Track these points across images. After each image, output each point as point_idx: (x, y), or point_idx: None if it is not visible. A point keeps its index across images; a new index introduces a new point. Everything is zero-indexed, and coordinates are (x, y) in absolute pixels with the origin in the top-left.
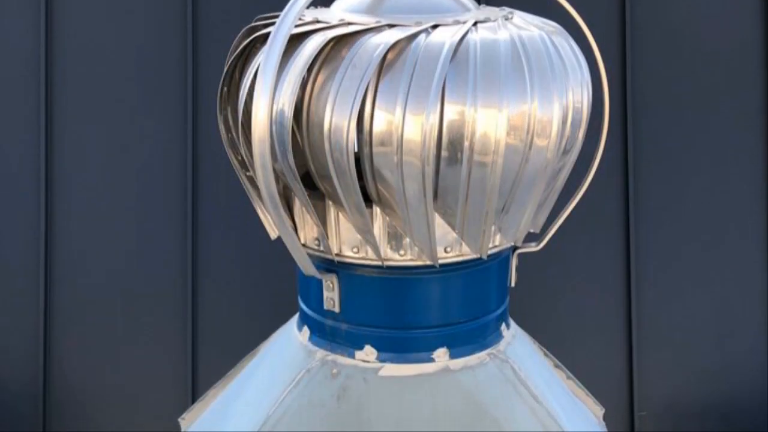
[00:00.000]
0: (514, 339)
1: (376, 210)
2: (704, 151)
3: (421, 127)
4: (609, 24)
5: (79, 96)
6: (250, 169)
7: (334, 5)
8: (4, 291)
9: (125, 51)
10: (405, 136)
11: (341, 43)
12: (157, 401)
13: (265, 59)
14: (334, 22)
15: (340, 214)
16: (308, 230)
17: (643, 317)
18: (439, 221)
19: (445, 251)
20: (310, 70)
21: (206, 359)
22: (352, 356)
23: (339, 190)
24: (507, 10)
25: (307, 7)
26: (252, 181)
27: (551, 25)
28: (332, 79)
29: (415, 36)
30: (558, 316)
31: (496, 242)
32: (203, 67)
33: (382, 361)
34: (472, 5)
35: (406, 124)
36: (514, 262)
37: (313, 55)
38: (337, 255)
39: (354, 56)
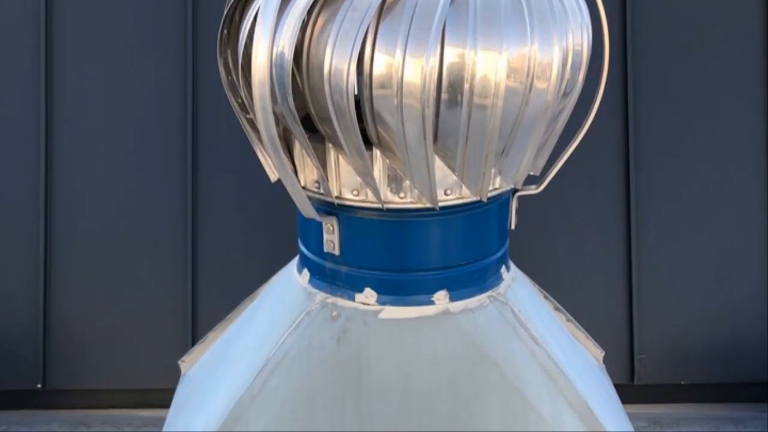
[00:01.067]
0: (514, 282)
1: (376, 152)
2: (704, 93)
3: (421, 70)
4: None
5: (80, 38)
6: (250, 111)
7: None
8: (3, 234)
9: None
10: (405, 79)
11: None
12: (157, 344)
13: (265, 1)
14: None
15: (340, 157)
16: (308, 173)
17: (643, 260)
18: (439, 164)
19: (445, 194)
20: (310, 12)
21: (206, 302)
22: (352, 299)
23: (339, 133)
24: None
25: None
26: (252, 123)
27: None
28: (332, 21)
29: None
30: (558, 259)
31: (496, 185)
32: (203, 9)
33: (382, 303)
34: None
35: (406, 66)
36: (514, 204)
37: None
38: (337, 198)
39: None
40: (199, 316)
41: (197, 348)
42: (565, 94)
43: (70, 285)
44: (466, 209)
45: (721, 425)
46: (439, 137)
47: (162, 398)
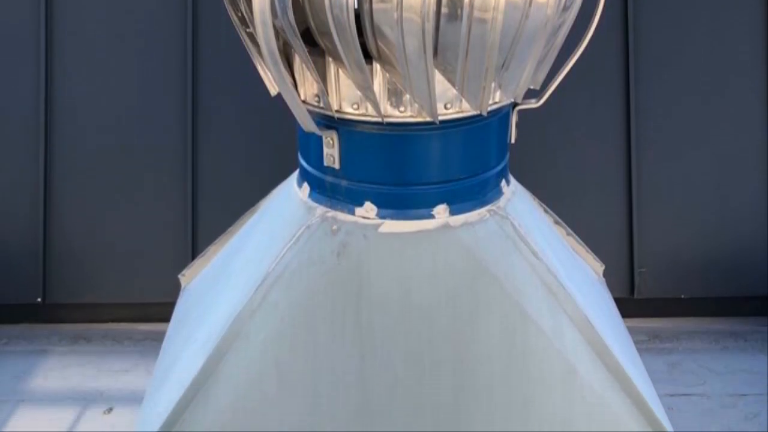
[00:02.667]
0: (514, 195)
1: (376, 66)
2: (704, 5)
3: None
4: None
5: None
6: (250, 25)
7: None
8: (4, 149)
9: None
10: None
11: None
12: (157, 258)
13: None
14: None
15: (340, 71)
16: (308, 87)
17: (643, 173)
18: (439, 78)
19: (445, 108)
20: None
21: (206, 216)
22: (352, 213)
23: (339, 47)
24: None
25: None
26: (252, 37)
27: None
28: None
29: None
30: (558, 173)
31: (496, 99)
32: None
33: (382, 217)
34: None
35: None
36: (514, 118)
37: None
38: (337, 111)
39: None
40: (199, 230)
41: (197, 262)
42: (565, 8)
43: (70, 199)
44: (466, 123)
45: (721, 339)
46: (439, 51)
47: (162, 312)
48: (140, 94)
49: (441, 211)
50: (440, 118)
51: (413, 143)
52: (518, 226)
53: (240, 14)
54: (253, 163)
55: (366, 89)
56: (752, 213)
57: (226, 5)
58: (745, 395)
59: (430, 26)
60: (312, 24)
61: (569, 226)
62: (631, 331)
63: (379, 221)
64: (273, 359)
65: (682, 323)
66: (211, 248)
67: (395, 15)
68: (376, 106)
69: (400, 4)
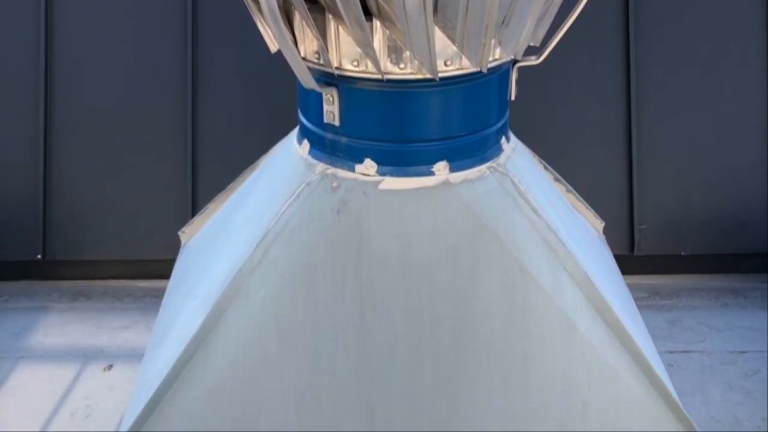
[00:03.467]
0: (514, 152)
1: (376, 23)
2: None
3: None
4: None
5: None
6: None
7: None
8: (3, 105)
9: None
10: None
11: None
12: (157, 215)
13: None
14: None
15: (340, 28)
16: (308, 44)
17: (643, 130)
18: (439, 34)
19: (445, 65)
20: None
21: (206, 173)
22: (352, 170)
23: (339, 3)
24: None
25: None
26: None
27: None
28: None
29: None
30: (558, 130)
31: (496, 55)
32: None
33: (382, 174)
34: None
35: None
36: (514, 75)
37: None
38: (337, 68)
39: None
40: (199, 186)
41: (197, 219)
42: None
43: (70, 156)
44: (466, 80)
45: (721, 296)
46: (439, 7)
47: (162, 269)
48: (140, 52)
49: (441, 168)
50: (440, 75)
51: (413, 100)
52: (518, 183)
53: None
54: (253, 120)
55: (366, 46)
56: (752, 169)
57: None
58: (744, 352)
59: None
60: None
61: (569, 183)
62: (631, 287)
63: (379, 178)
64: (273, 316)
65: (682, 280)
66: (211, 205)
67: None
68: (376, 63)
69: None
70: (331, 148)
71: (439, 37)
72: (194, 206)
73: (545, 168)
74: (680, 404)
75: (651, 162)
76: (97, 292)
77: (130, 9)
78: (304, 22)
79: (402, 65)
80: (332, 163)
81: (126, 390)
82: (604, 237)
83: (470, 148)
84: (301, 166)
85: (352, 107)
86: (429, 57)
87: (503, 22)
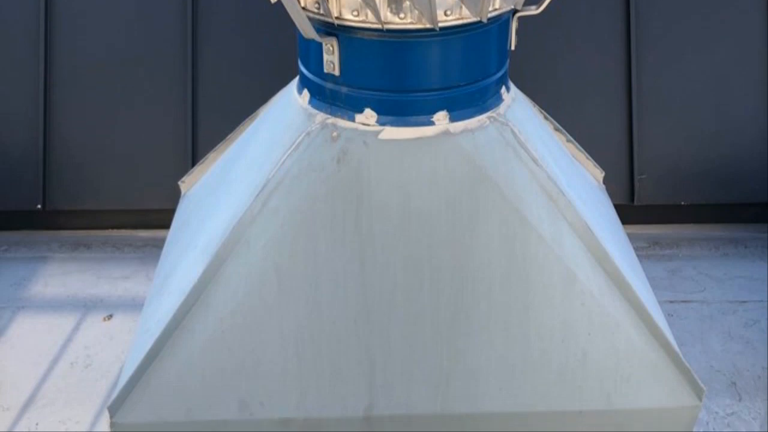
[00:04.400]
0: (514, 102)
1: None
2: None
3: None
4: None
5: None
6: None
7: None
8: (3, 56)
9: None
10: None
11: None
12: (157, 165)
13: None
14: None
15: None
16: None
17: (643, 80)
18: None
19: (445, 14)
20: None
21: (206, 123)
22: (352, 119)
23: None
24: None
25: None
26: None
27: None
28: None
29: None
30: (558, 80)
31: (496, 5)
32: None
33: (382, 124)
34: None
35: None
36: (513, 25)
37: None
38: (337, 18)
39: None
40: (199, 136)
41: (197, 168)
42: None
43: (70, 105)
44: (466, 30)
45: (721, 246)
46: None
47: (162, 219)
48: (140, 3)
49: (441, 117)
50: (440, 24)
51: (413, 50)
52: (518, 133)
53: None
54: (252, 70)
55: None
56: (752, 119)
57: None
58: (744, 302)
59: None
60: None
61: (569, 133)
62: (631, 237)
63: (379, 128)
64: (273, 265)
65: (682, 230)
66: (211, 155)
67: None
68: (376, 13)
69: None
70: (331, 97)
71: None
72: (194, 156)
73: (545, 118)
74: (680, 354)
75: (651, 111)
76: (97, 241)
77: None
78: None
79: (402, 15)
80: (332, 113)
81: (126, 340)
82: (604, 187)
83: (470, 98)
84: (301, 115)
85: (352, 57)
86: (429, 7)
87: None
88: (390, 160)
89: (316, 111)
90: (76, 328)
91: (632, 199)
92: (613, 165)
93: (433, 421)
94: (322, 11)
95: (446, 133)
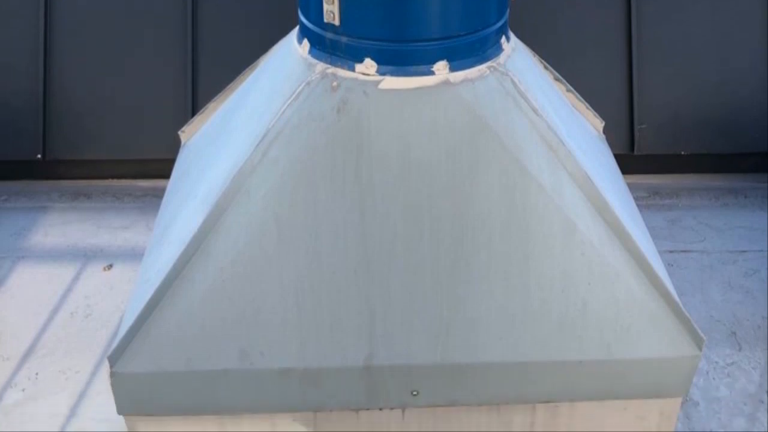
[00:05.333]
0: (514, 52)
1: None
2: None
3: None
4: None
5: None
6: None
7: None
8: (3, 5)
9: None
10: None
11: None
12: (157, 114)
13: None
14: None
15: None
16: None
17: (643, 30)
18: None
19: None
20: None
21: (206, 72)
22: (352, 69)
23: None
24: None
25: None
26: None
27: None
28: None
29: None
30: (557, 30)
31: None
32: None
33: (382, 74)
34: None
35: None
36: None
37: None
38: None
39: None
40: (199, 86)
41: (197, 118)
42: None
43: (70, 55)
44: None
45: (720, 195)
46: None
47: (162, 168)
48: None
49: (441, 67)
50: None
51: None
52: (518, 83)
53: None
54: (253, 20)
55: None
56: (753, 69)
57: None
58: (744, 251)
59: None
60: None
61: (569, 84)
62: (631, 187)
63: (379, 78)
64: (273, 215)
65: (681, 179)
66: (211, 105)
67: None
68: None
69: None
70: (331, 47)
71: None
72: (194, 106)
73: (545, 68)
74: (680, 304)
75: (651, 61)
76: (97, 191)
77: None
78: None
79: None
80: (332, 63)
81: (126, 289)
82: (604, 136)
83: (470, 48)
84: (301, 65)
85: (352, 7)
86: None
87: None
88: (390, 109)
89: (316, 61)
90: (76, 278)
91: (632, 149)
92: (612, 115)
93: (433, 370)
94: None
95: (446, 83)
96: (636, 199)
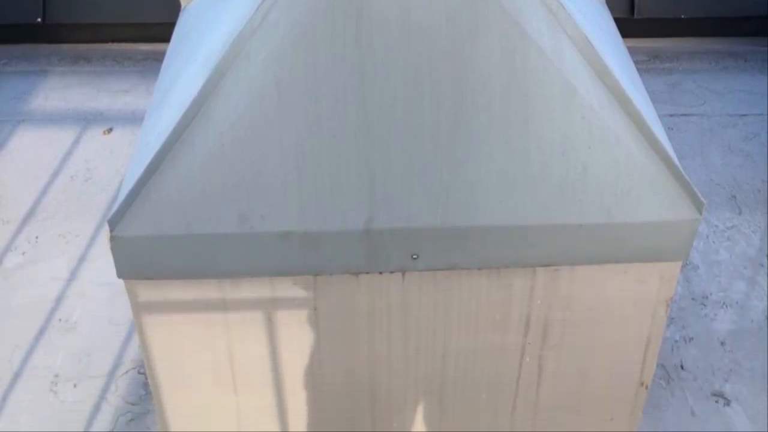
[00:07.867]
0: None
1: None
2: None
3: None
4: None
5: None
6: None
7: None
8: None
9: None
10: None
11: None
12: None
13: None
14: None
15: None
16: None
17: None
18: None
19: None
20: None
21: None
22: None
23: None
24: None
25: None
26: None
27: None
28: None
29: None
30: None
31: None
32: None
33: None
34: None
35: None
36: None
37: None
38: None
39: None
40: None
41: None
42: None
43: None
44: None
45: (720, 59)
46: None
47: (162, 32)
48: None
49: None
50: None
51: None
52: None
53: None
54: None
55: None
56: None
57: None
58: (744, 115)
59: None
60: None
61: None
62: (631, 51)
63: None
64: (273, 79)
65: (682, 43)
66: None
67: None
68: None
69: None
70: None
71: None
72: None
73: None
74: (680, 167)
75: None
76: (97, 55)
77: None
78: None
79: None
80: None
81: (126, 153)
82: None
83: None
84: None
85: None
86: None
87: None
88: None
89: None
90: (76, 142)
91: (632, 12)
92: None
93: (432, 233)
94: None
95: None
96: (636, 62)
